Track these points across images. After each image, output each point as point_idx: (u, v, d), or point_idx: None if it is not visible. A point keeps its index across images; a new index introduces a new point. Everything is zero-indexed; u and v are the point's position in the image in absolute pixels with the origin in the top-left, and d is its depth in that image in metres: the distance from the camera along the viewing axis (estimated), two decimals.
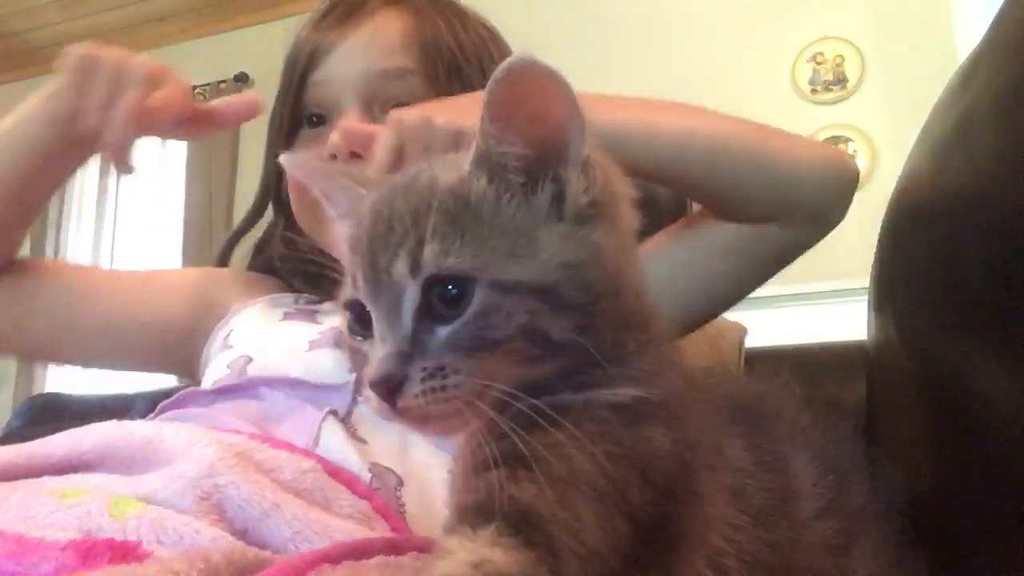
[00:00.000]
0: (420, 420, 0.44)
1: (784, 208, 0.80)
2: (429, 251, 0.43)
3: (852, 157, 0.84)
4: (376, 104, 0.88)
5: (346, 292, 0.49)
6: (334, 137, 0.84)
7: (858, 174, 0.84)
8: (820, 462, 0.51)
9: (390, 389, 0.43)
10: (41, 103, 0.82)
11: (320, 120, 0.92)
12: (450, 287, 0.43)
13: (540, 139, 0.45)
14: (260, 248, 1.07)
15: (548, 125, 0.45)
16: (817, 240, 0.83)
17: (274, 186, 1.02)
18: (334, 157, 0.84)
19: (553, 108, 0.44)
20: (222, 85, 4.51)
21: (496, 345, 0.43)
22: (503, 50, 0.96)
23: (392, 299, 0.44)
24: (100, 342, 0.96)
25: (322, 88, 0.90)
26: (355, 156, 0.82)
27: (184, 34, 4.80)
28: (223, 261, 1.08)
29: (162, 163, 4.63)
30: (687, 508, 0.42)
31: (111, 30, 4.69)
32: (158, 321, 0.96)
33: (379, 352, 0.44)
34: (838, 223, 0.83)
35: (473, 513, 0.37)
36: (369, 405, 0.46)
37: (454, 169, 0.47)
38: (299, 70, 0.90)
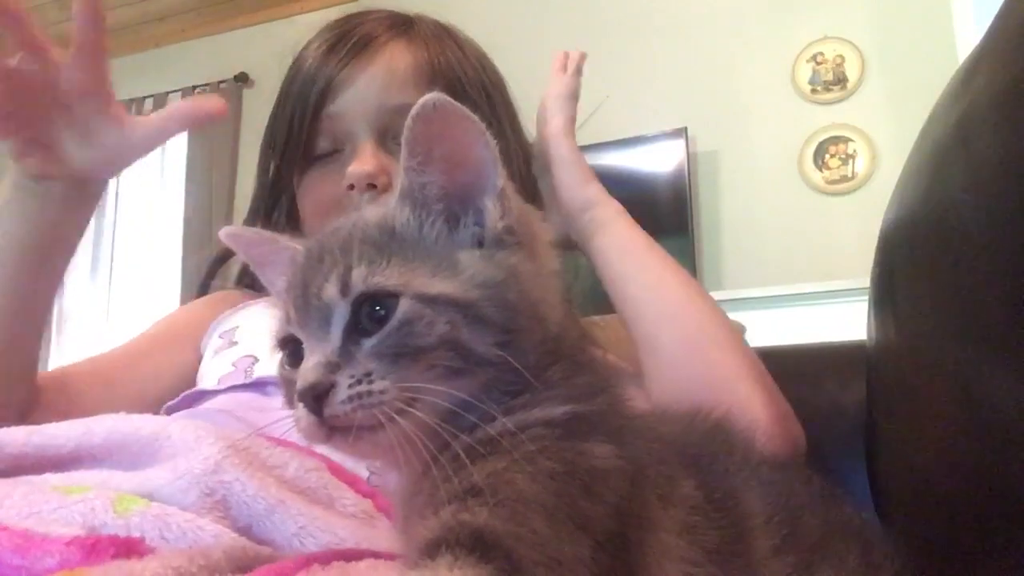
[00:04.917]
0: (347, 432, 0.44)
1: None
2: (357, 273, 0.46)
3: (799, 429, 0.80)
4: (389, 135, 0.92)
5: (279, 330, 0.51)
6: (355, 169, 0.89)
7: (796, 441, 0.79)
8: (773, 498, 0.51)
9: (317, 397, 0.44)
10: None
11: (327, 150, 0.95)
12: (377, 307, 0.46)
13: (456, 171, 0.50)
14: (244, 270, 1.06)
15: (463, 158, 0.49)
16: None
17: (267, 208, 1.03)
18: (352, 187, 0.89)
19: (466, 143, 0.49)
20: (222, 85, 4.51)
21: (420, 352, 0.45)
22: (494, 70, 1.01)
23: (321, 319, 0.47)
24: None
25: (337, 121, 0.93)
26: (372, 187, 0.88)
27: (184, 34, 4.80)
28: (204, 286, 1.08)
29: (162, 163, 4.63)
30: (643, 535, 0.43)
31: (111, 30, 4.65)
32: (182, 380, 0.95)
33: (307, 364, 0.46)
34: None
35: (431, 546, 0.37)
36: (298, 427, 0.46)
37: (382, 206, 0.52)
38: (312, 103, 0.93)
